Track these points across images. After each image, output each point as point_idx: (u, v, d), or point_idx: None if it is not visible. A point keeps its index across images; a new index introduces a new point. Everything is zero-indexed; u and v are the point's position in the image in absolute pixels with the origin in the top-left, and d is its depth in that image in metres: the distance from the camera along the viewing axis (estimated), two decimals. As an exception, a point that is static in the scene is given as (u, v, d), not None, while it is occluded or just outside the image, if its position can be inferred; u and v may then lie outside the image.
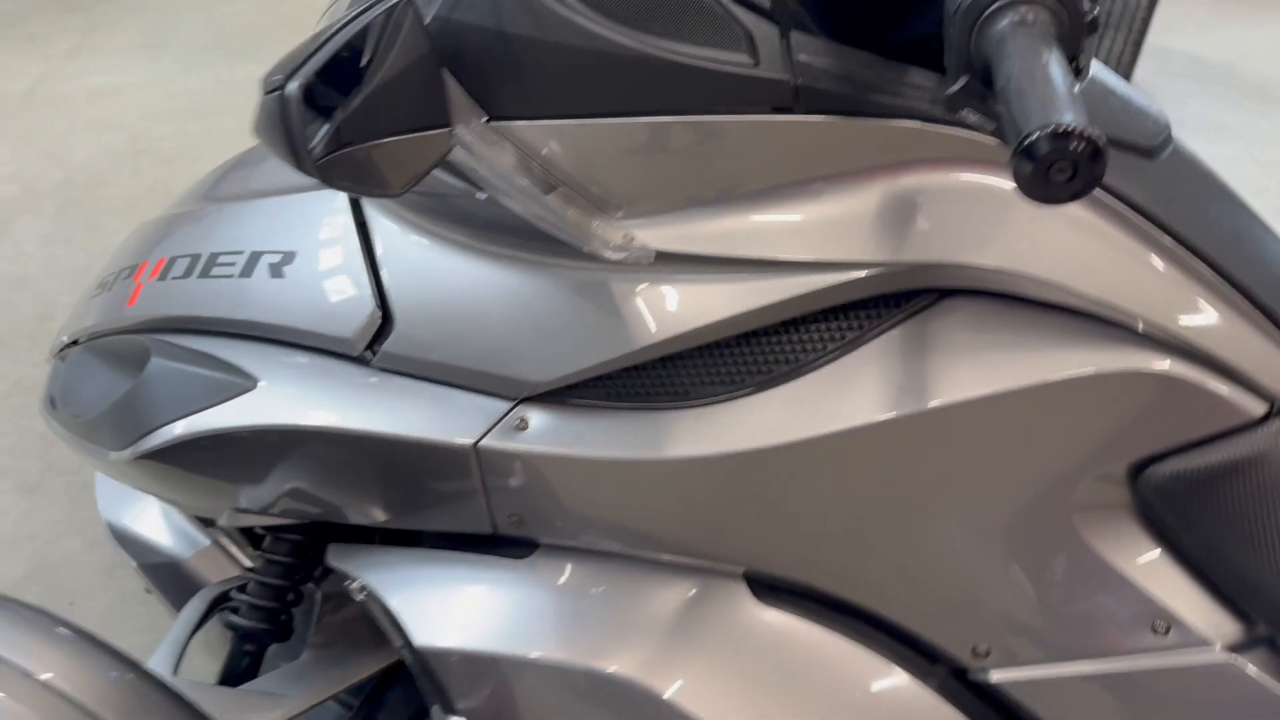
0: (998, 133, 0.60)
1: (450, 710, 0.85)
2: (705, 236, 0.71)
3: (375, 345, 0.81)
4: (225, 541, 1.20)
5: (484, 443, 0.77)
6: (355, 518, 0.87)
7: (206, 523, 1.20)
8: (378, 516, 0.86)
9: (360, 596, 0.88)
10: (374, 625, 1.04)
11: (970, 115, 0.59)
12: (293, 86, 0.59)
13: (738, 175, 0.71)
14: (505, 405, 0.78)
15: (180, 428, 0.86)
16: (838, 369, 0.73)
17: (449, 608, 0.83)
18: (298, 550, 0.97)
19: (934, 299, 0.73)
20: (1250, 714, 0.77)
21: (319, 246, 0.87)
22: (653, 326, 0.73)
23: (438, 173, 0.72)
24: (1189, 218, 0.72)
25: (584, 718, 0.80)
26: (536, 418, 0.77)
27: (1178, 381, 0.71)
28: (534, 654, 0.80)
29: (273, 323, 0.86)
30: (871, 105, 0.67)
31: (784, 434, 0.73)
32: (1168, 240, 0.71)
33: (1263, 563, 0.74)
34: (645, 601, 0.80)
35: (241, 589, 1.00)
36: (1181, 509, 0.75)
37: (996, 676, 0.81)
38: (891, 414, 0.71)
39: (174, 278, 0.94)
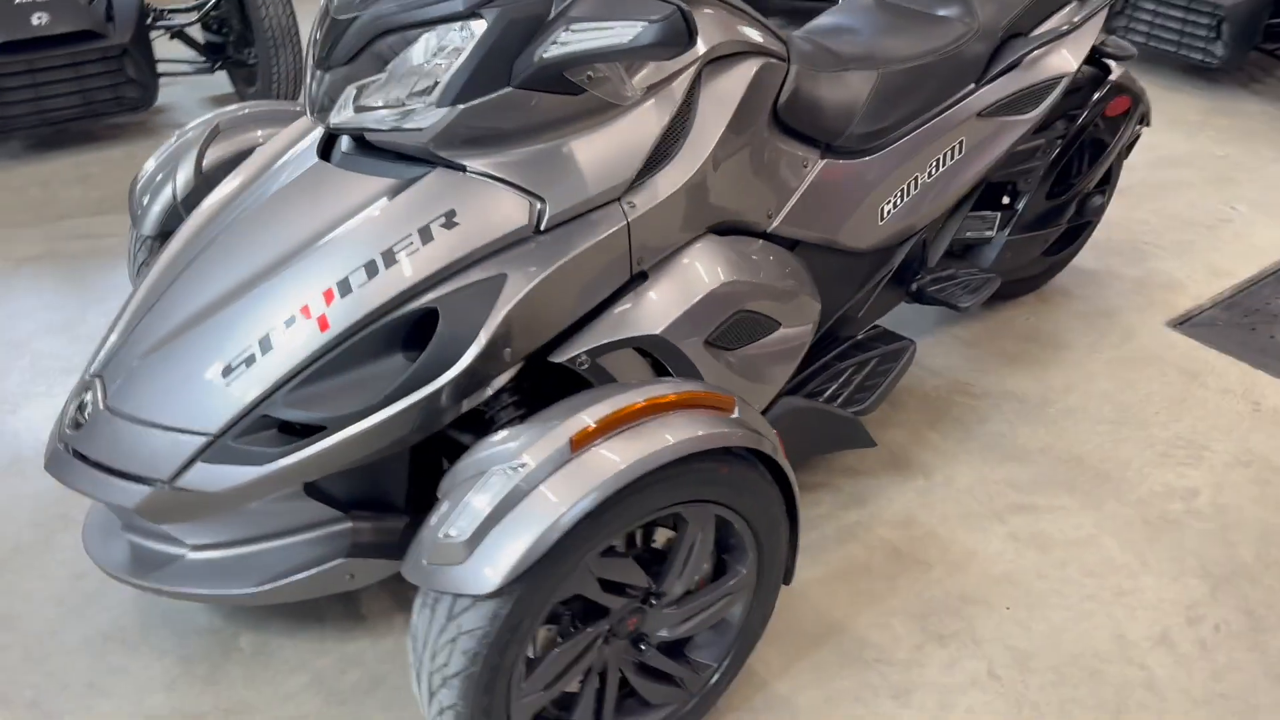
0: None
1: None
2: (662, 69, 1.49)
3: (540, 222, 1.43)
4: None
5: (630, 219, 1.47)
6: (559, 328, 1.46)
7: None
8: (574, 315, 1.47)
9: (584, 367, 1.51)
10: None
11: None
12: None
13: None
14: (617, 204, 1.47)
15: (487, 330, 1.37)
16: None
17: (643, 313, 1.52)
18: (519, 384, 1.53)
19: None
20: (846, 182, 1.77)
21: (464, 197, 1.42)
22: (654, 121, 1.48)
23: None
24: None
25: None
26: (636, 196, 1.48)
27: (767, 64, 1.67)
28: (688, 304, 1.55)
29: (473, 248, 1.39)
30: None
31: None
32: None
33: (815, 117, 1.76)
34: (726, 258, 1.58)
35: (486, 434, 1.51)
36: (793, 112, 1.72)
37: (775, 225, 1.75)
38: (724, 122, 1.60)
39: (360, 285, 1.37)
